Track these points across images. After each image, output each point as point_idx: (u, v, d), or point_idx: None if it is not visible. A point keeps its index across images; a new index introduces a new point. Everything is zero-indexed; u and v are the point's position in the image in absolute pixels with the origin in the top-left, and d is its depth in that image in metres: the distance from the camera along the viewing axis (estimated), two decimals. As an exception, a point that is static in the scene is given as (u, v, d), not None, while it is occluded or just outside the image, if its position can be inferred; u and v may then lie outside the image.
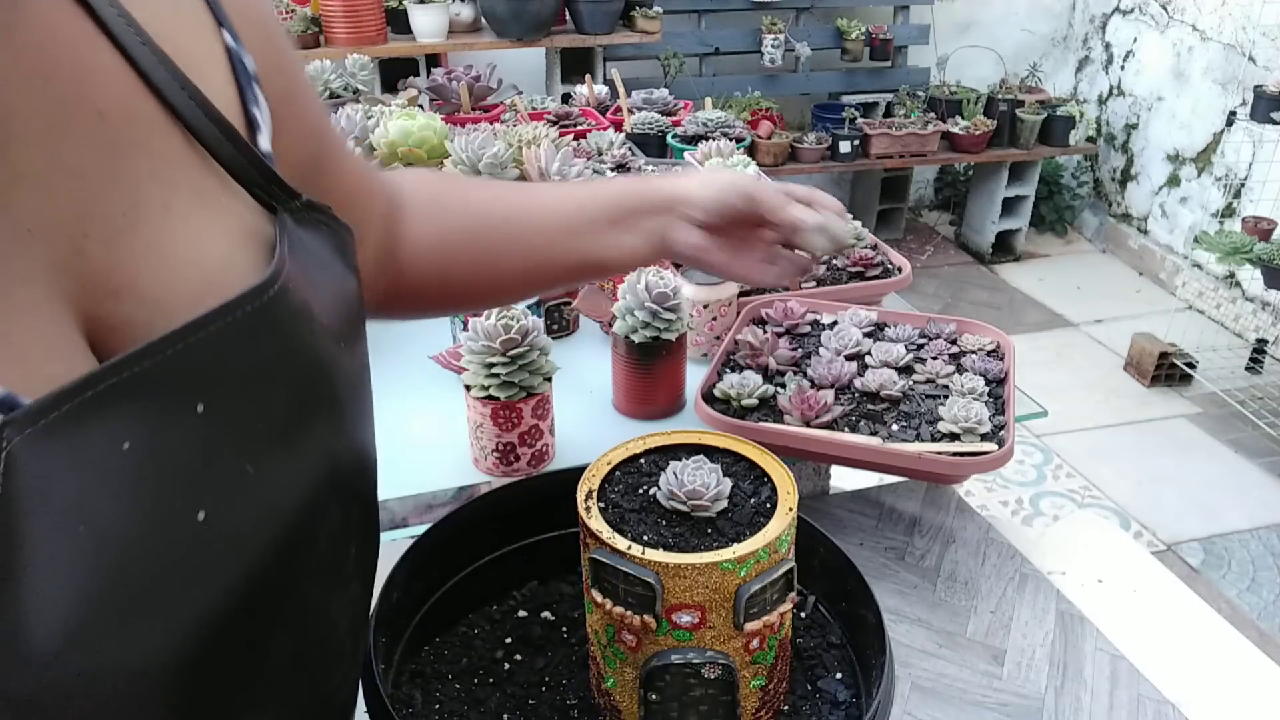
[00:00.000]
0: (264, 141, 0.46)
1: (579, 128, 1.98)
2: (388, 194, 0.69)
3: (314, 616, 0.45)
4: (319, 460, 0.43)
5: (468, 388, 1.02)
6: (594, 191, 0.75)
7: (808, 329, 1.29)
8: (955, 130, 4.00)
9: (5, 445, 0.29)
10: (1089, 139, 4.26)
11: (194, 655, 0.37)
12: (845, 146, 3.89)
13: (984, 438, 1.06)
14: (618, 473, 0.67)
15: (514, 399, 1.01)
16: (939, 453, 1.03)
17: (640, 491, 0.65)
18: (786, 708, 0.68)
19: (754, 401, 1.12)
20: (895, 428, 1.09)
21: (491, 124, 1.78)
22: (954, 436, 1.06)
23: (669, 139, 2.00)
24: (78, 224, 0.35)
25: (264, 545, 0.40)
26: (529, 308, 1.22)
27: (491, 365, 0.99)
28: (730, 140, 1.89)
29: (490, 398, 1.01)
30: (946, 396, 1.13)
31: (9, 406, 0.30)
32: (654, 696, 0.61)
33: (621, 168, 1.74)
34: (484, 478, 1.07)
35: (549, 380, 1.04)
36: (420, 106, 1.92)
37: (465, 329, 1.02)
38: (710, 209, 0.71)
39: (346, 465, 0.46)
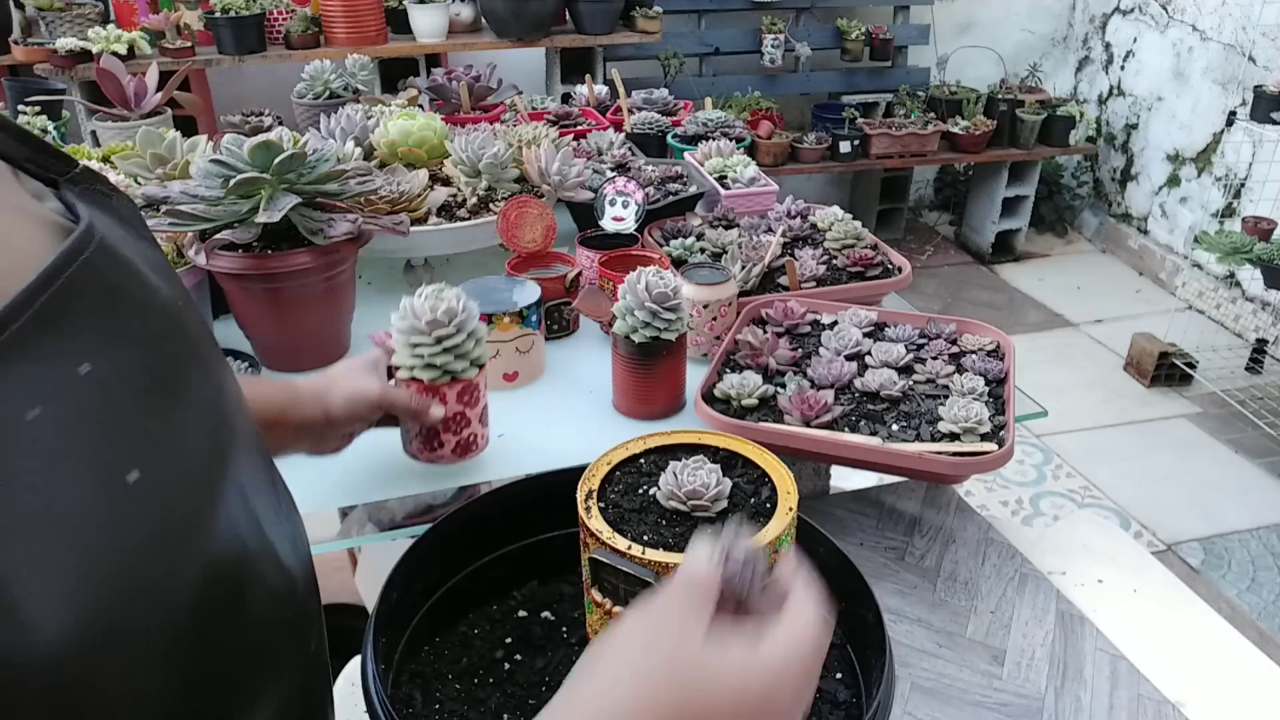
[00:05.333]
0: None
1: (579, 128, 1.98)
2: None
3: (267, 555, 0.46)
4: (206, 408, 0.43)
5: (395, 367, 1.00)
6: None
7: (808, 329, 1.29)
8: (955, 130, 4.00)
9: None
10: (1089, 139, 4.26)
11: (185, 621, 0.37)
12: (845, 146, 3.89)
13: (984, 438, 1.06)
14: (618, 473, 0.67)
15: (437, 382, 0.98)
16: (939, 453, 1.03)
17: (640, 491, 0.65)
18: (786, 708, 0.68)
19: (754, 401, 1.12)
20: (895, 428, 1.09)
21: (491, 124, 1.78)
22: (954, 436, 1.06)
23: (669, 139, 2.00)
24: None
25: (196, 499, 0.40)
26: (529, 308, 1.22)
27: (416, 346, 0.97)
28: (730, 140, 1.89)
29: (414, 379, 0.98)
30: (946, 396, 1.12)
31: None
32: (654, 696, 0.61)
33: (621, 168, 1.74)
34: (423, 465, 1.05)
35: (479, 367, 1.01)
36: (420, 106, 1.92)
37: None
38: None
39: (229, 409, 0.46)
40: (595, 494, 0.64)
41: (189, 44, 2.98)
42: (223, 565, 0.41)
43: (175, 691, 0.37)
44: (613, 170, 1.72)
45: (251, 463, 0.47)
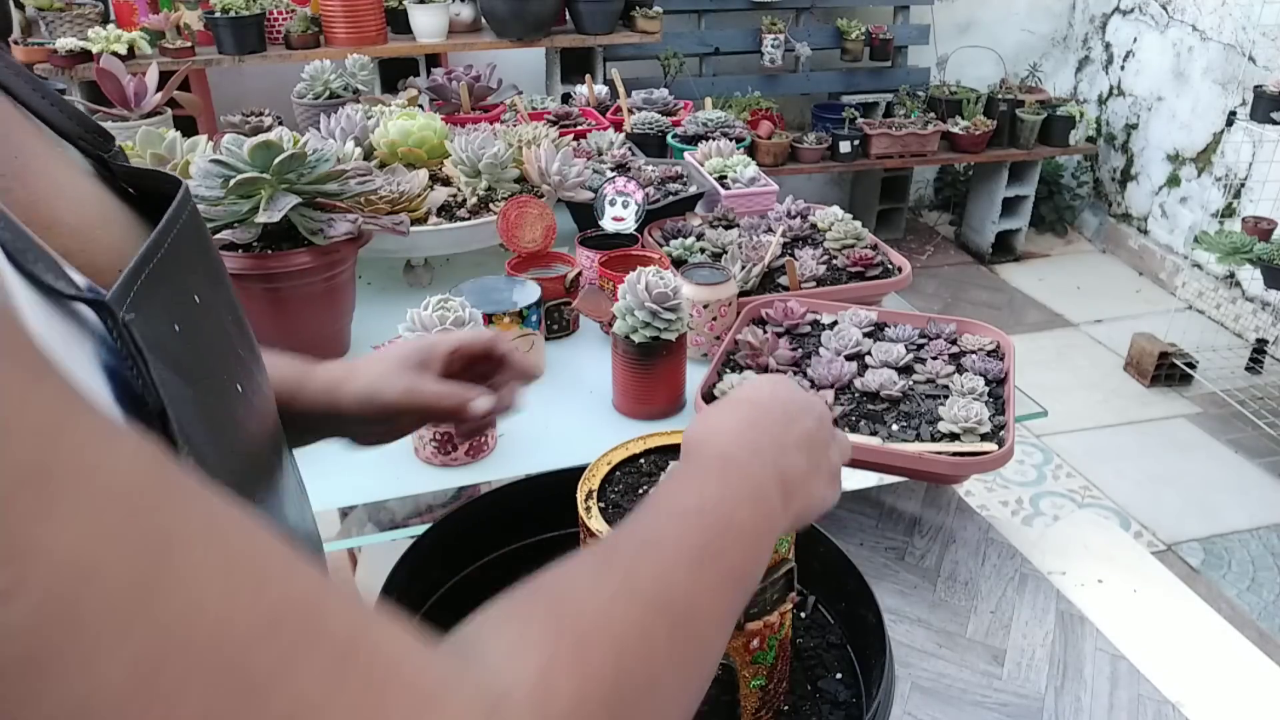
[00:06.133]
0: None
1: (579, 128, 1.98)
2: None
3: (296, 481, 0.54)
4: (256, 350, 0.50)
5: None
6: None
7: (808, 329, 1.29)
8: (955, 130, 4.00)
9: (121, 316, 0.33)
10: (1089, 139, 4.26)
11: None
12: (845, 146, 3.89)
13: (984, 438, 1.06)
14: (618, 473, 0.67)
15: None
16: (939, 453, 1.03)
17: (640, 491, 0.65)
18: (786, 708, 0.68)
19: (754, 401, 1.11)
20: (895, 428, 1.09)
21: (491, 124, 1.78)
22: (954, 436, 1.06)
23: (669, 139, 2.00)
24: None
25: (272, 419, 0.48)
26: (529, 308, 1.22)
27: None
28: (730, 140, 1.89)
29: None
30: (946, 396, 1.12)
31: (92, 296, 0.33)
32: (654, 696, 0.61)
33: (621, 168, 1.74)
34: (424, 466, 1.08)
35: None
36: (420, 106, 1.92)
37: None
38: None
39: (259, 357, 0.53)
40: (595, 494, 0.64)
41: (189, 44, 2.98)
42: (278, 467, 0.48)
43: None
44: (613, 170, 1.72)
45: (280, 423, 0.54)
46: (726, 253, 1.44)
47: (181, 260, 0.41)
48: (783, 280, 1.41)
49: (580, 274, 1.35)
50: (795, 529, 0.55)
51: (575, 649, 0.36)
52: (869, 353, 1.21)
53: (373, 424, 0.77)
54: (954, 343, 1.25)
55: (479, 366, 0.79)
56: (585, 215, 1.56)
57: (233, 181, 1.09)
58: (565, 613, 0.38)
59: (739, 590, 0.46)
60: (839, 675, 0.70)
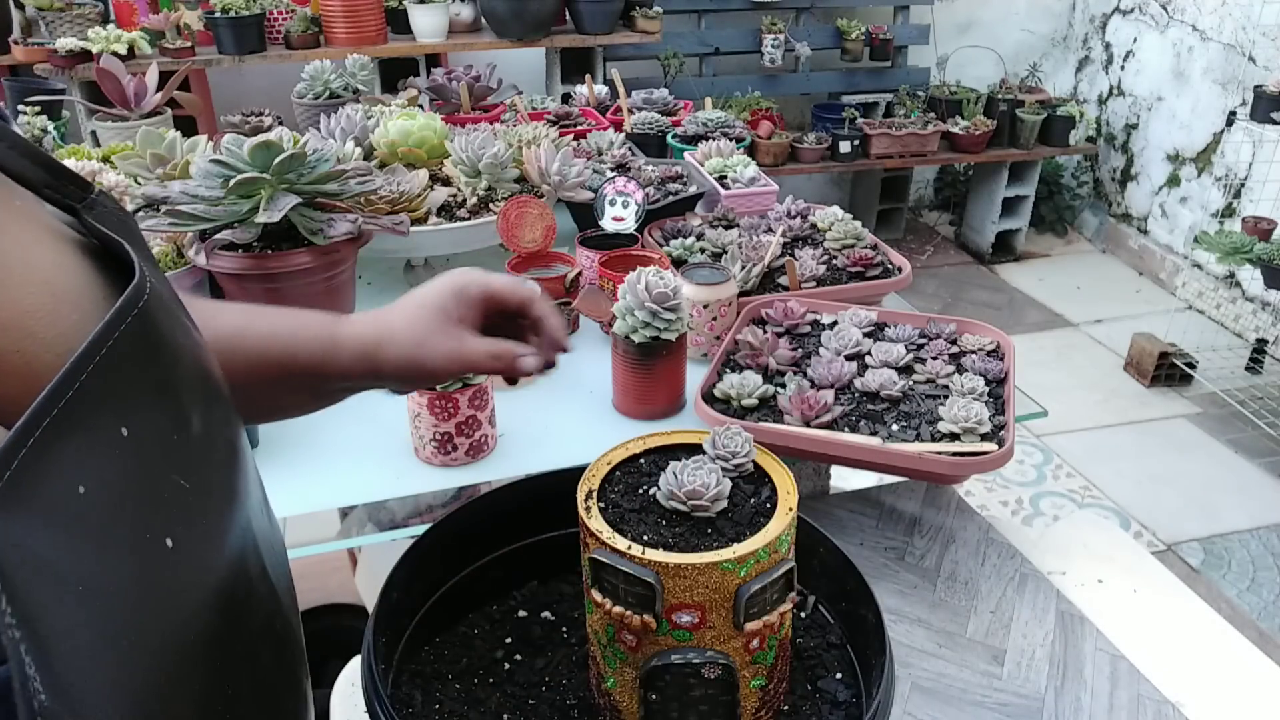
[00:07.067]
0: None
1: (579, 128, 1.98)
2: None
3: (261, 578, 0.45)
4: (223, 445, 0.42)
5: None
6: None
7: (808, 329, 1.29)
8: (955, 130, 4.00)
9: None
10: (1089, 139, 4.25)
11: (205, 664, 0.38)
12: (845, 146, 3.89)
13: (984, 438, 1.06)
14: (618, 473, 0.67)
15: (449, 389, 1.03)
16: (939, 453, 1.03)
17: (640, 491, 0.65)
18: (786, 708, 0.68)
19: (754, 401, 1.12)
20: (895, 428, 1.09)
21: (491, 124, 1.78)
22: (954, 436, 1.06)
23: (669, 139, 2.00)
24: None
25: (218, 546, 0.40)
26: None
27: None
28: (730, 140, 1.89)
29: (426, 388, 1.02)
30: (946, 396, 1.12)
31: None
32: (654, 696, 0.61)
33: (621, 168, 1.74)
34: (424, 466, 1.08)
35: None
36: (420, 106, 1.92)
37: None
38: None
39: (237, 435, 0.44)
40: (595, 494, 0.64)
41: (189, 44, 2.98)
42: (229, 602, 0.41)
43: None
44: (613, 170, 1.72)
45: (253, 485, 0.46)
46: (726, 253, 1.44)
47: (113, 389, 0.34)
48: (783, 280, 1.41)
49: (580, 274, 1.35)
50: None
51: None
52: (869, 353, 1.21)
53: (414, 383, 0.76)
54: (954, 343, 1.25)
55: (509, 317, 0.75)
56: (585, 215, 1.56)
57: (233, 181, 1.09)
58: None
59: None
60: (839, 675, 0.70)
